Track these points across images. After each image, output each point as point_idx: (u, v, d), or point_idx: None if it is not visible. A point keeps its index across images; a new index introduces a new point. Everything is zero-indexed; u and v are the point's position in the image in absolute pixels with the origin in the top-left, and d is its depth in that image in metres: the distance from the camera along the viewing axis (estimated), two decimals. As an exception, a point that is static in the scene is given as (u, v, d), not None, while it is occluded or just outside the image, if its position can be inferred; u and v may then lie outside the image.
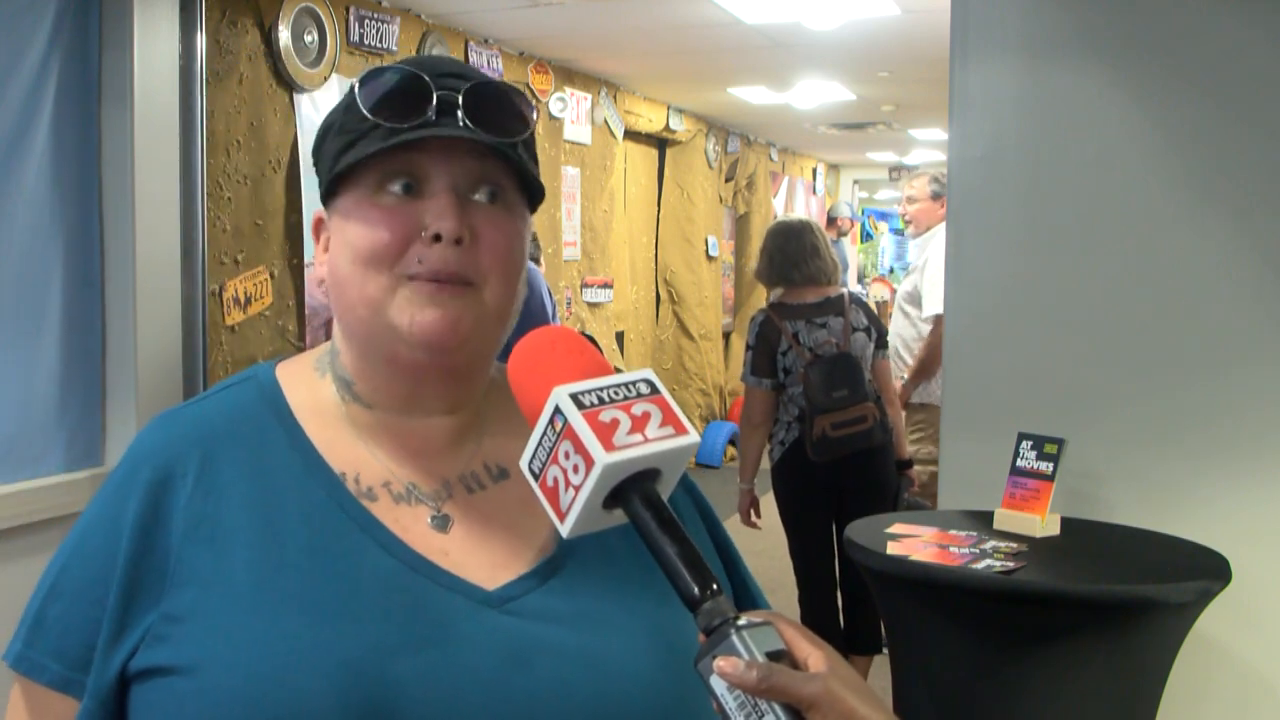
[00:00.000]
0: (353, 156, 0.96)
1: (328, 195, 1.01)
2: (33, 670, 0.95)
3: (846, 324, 3.89)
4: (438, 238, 0.94)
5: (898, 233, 10.78)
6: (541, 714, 0.89)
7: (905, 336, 4.58)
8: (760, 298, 9.65)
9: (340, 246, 0.98)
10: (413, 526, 0.97)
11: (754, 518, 4.10)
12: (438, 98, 0.95)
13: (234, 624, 0.90)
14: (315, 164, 1.04)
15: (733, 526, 5.72)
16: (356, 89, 0.97)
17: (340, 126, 0.99)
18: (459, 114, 0.95)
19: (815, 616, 3.95)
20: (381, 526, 0.96)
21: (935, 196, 4.57)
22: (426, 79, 0.96)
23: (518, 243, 1.00)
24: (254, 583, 0.91)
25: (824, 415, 3.77)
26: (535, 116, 1.02)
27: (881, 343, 4.00)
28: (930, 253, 4.41)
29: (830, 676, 0.75)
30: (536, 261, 5.11)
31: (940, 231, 4.49)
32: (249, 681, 0.87)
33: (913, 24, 5.06)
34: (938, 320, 4.23)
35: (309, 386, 1.04)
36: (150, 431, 1.01)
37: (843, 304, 3.94)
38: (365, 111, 0.96)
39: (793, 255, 3.97)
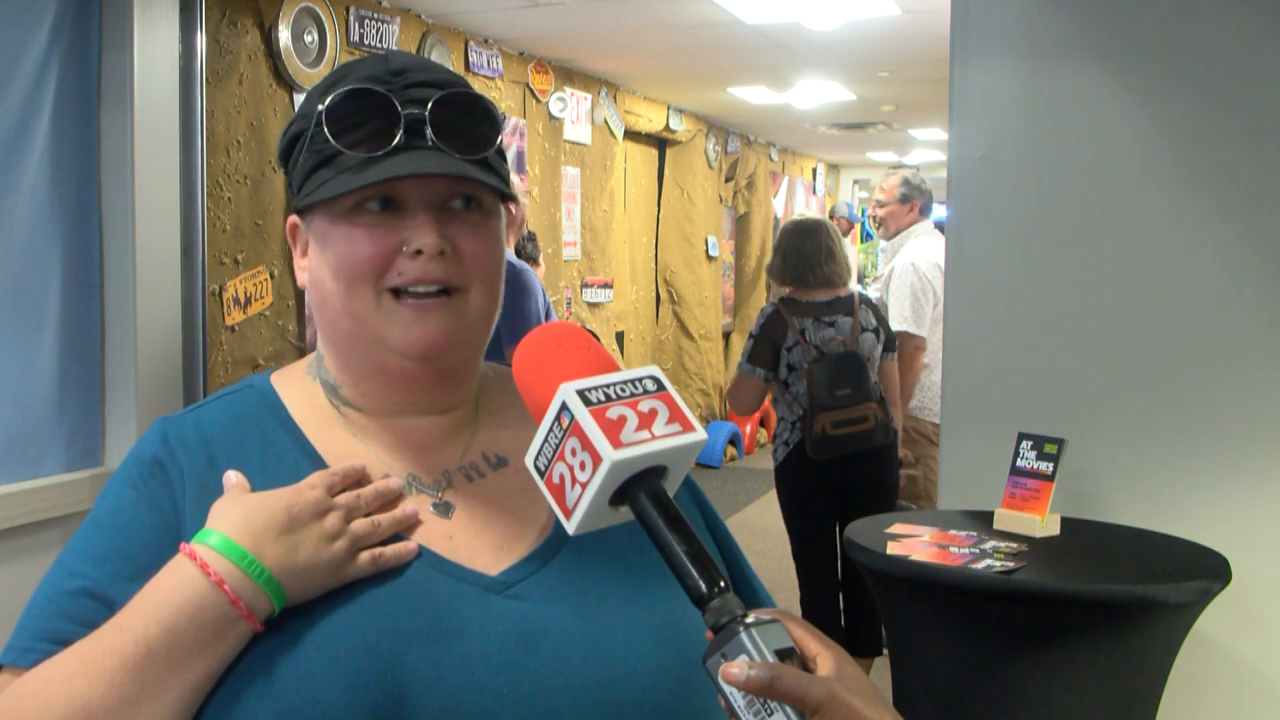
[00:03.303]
0: (329, 190, 0.97)
1: (302, 208, 1.02)
2: (20, 659, 0.95)
3: (855, 324, 3.88)
4: (419, 252, 0.96)
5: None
6: (547, 694, 0.91)
7: None
8: (761, 299, 9.65)
9: (320, 261, 1.00)
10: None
11: None
12: (405, 119, 0.96)
13: None
14: (284, 166, 1.05)
15: (732, 526, 5.75)
16: (321, 110, 0.97)
17: (310, 143, 1.00)
18: (427, 132, 0.97)
19: (816, 618, 3.94)
20: None
21: (904, 199, 4.51)
22: (392, 97, 0.97)
23: (496, 245, 1.02)
24: None
25: (826, 413, 3.75)
26: (503, 120, 1.03)
27: (890, 345, 3.99)
28: (897, 263, 4.35)
29: (835, 679, 0.76)
30: (535, 263, 5.09)
31: (908, 238, 4.47)
32: (263, 667, 0.89)
33: (913, 24, 5.06)
34: (901, 338, 4.15)
35: (304, 392, 1.06)
36: (152, 433, 1.03)
37: (852, 304, 3.94)
38: (331, 140, 0.96)
39: (808, 258, 3.95)
